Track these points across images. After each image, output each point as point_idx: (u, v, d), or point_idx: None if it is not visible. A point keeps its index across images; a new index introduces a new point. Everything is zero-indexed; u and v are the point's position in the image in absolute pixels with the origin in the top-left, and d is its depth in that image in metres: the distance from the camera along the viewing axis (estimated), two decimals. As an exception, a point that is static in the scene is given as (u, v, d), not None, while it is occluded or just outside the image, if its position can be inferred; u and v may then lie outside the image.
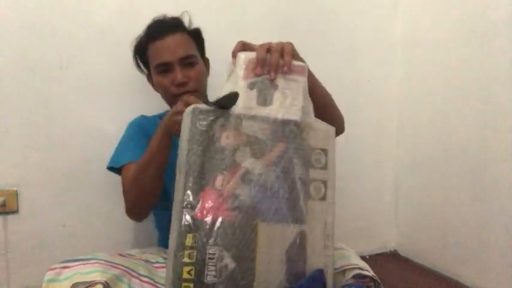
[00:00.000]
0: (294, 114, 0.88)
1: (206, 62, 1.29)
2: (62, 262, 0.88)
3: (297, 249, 0.85)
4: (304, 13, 1.65)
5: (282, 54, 0.88)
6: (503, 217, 1.35)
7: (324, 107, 1.01)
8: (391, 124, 1.83)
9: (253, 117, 0.86)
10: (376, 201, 1.85)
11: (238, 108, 0.86)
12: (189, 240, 0.78)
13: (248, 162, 0.84)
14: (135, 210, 1.11)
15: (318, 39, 1.68)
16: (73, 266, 0.86)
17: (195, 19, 1.28)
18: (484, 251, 1.41)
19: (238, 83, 0.87)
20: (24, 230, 1.34)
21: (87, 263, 0.86)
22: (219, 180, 0.82)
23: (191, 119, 0.83)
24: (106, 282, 0.82)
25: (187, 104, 0.91)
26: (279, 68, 0.88)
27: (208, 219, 0.79)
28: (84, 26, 1.36)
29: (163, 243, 1.27)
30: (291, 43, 0.92)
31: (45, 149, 1.35)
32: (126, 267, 0.91)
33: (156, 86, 1.21)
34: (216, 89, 1.22)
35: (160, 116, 1.31)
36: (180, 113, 0.91)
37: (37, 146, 1.34)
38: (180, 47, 1.15)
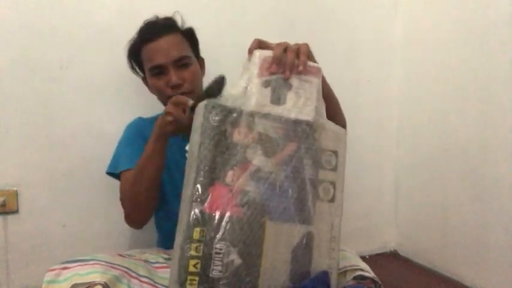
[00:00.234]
0: (307, 115, 0.88)
1: (201, 61, 1.28)
2: (62, 263, 0.88)
3: (303, 250, 0.85)
4: (304, 13, 1.65)
5: (297, 54, 0.89)
6: (503, 217, 1.35)
7: (331, 110, 1.01)
8: (391, 124, 1.83)
9: (266, 116, 0.86)
10: (376, 201, 1.85)
11: (251, 105, 0.86)
12: (196, 234, 0.78)
13: (259, 160, 0.84)
14: (134, 216, 1.11)
15: (318, 39, 1.66)
16: (72, 267, 0.86)
17: (195, 19, 1.28)
18: (484, 251, 1.41)
19: (253, 80, 0.86)
20: (24, 230, 1.34)
21: (86, 264, 0.86)
22: (229, 176, 0.82)
23: (203, 113, 0.83)
24: (105, 283, 0.83)
25: (176, 104, 0.92)
26: (294, 67, 0.87)
27: (217, 214, 0.80)
28: (84, 26, 1.36)
29: (163, 243, 1.28)
30: (307, 44, 0.92)
31: (45, 149, 1.35)
32: (126, 268, 0.91)
33: (152, 89, 1.21)
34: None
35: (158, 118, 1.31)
36: (171, 113, 0.92)
37: (37, 146, 1.34)
38: (173, 49, 1.14)
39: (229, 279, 0.78)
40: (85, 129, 1.39)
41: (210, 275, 0.77)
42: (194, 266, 0.77)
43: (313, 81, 0.90)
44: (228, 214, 0.80)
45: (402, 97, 1.80)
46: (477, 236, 1.44)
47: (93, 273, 0.84)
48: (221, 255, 0.78)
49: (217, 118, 0.83)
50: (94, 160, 1.36)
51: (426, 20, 1.66)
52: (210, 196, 0.80)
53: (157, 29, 1.16)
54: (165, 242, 1.27)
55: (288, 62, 0.87)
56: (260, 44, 0.91)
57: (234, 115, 0.84)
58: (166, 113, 0.94)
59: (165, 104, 1.21)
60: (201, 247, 0.78)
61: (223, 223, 0.80)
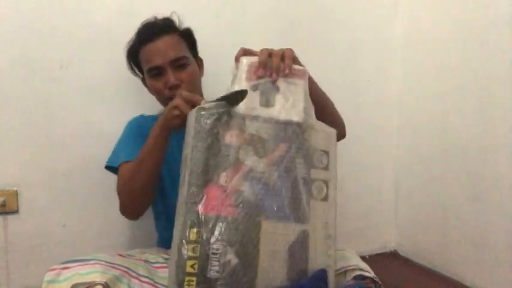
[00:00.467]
0: (296, 116, 0.91)
1: (199, 61, 1.28)
2: (62, 263, 0.88)
3: (299, 248, 0.86)
4: (304, 13, 1.65)
5: (282, 58, 0.92)
6: (503, 217, 1.35)
7: (325, 112, 1.03)
8: (391, 124, 1.83)
9: (256, 118, 0.89)
10: (376, 201, 1.85)
11: (241, 108, 0.88)
12: (193, 235, 0.80)
13: (251, 161, 0.86)
14: (130, 208, 1.11)
15: (318, 39, 1.68)
16: (72, 267, 0.86)
17: (194, 19, 1.28)
18: (484, 251, 1.41)
19: (242, 85, 0.90)
20: (24, 230, 1.34)
21: (86, 264, 0.86)
22: (223, 177, 0.84)
23: (196, 116, 0.85)
24: (106, 283, 0.83)
25: (183, 98, 0.92)
26: (280, 70, 0.91)
27: (212, 214, 0.81)
28: (84, 26, 1.36)
29: (163, 243, 1.28)
30: (291, 49, 0.95)
31: (45, 149, 1.35)
32: (126, 268, 0.91)
33: (150, 89, 1.22)
34: (216, 89, 1.23)
35: (160, 116, 1.31)
36: (177, 107, 0.92)
37: (37, 146, 1.34)
38: (170, 49, 1.14)
39: (226, 279, 0.79)
40: (85, 129, 1.39)
41: (208, 276, 0.78)
42: (191, 266, 0.78)
43: (300, 83, 0.93)
44: (223, 214, 0.82)
45: (402, 97, 1.80)
46: (477, 236, 1.44)
47: (94, 273, 0.84)
48: (218, 256, 0.79)
49: (208, 121, 0.85)
50: (94, 160, 1.36)
51: (426, 20, 1.66)
52: (204, 197, 0.82)
53: (155, 30, 1.16)
54: (165, 241, 1.27)
55: (274, 66, 0.90)
56: (245, 52, 0.94)
57: (225, 118, 0.87)
58: (174, 107, 0.93)
59: (164, 104, 1.21)
60: (198, 248, 0.79)
61: (219, 223, 0.81)
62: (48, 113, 1.34)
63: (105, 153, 1.23)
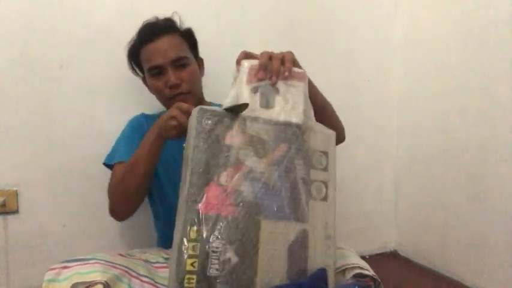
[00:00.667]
0: (295, 117, 0.93)
1: (200, 61, 1.29)
2: (62, 262, 0.88)
3: (299, 247, 0.87)
4: (304, 13, 1.65)
5: (282, 61, 0.93)
6: (503, 217, 1.35)
7: (324, 115, 1.05)
8: (391, 124, 1.83)
9: (256, 119, 0.90)
10: (376, 201, 1.85)
11: None
12: (193, 233, 0.80)
13: (251, 161, 0.88)
14: (118, 209, 1.12)
15: (318, 39, 1.68)
16: (73, 266, 0.86)
17: (195, 19, 1.28)
18: (484, 251, 1.41)
19: (242, 88, 0.92)
20: (24, 230, 1.34)
21: (87, 263, 0.86)
22: (223, 177, 0.85)
23: (197, 117, 0.87)
24: (106, 282, 0.82)
25: (180, 109, 0.93)
26: (280, 73, 0.92)
27: (212, 213, 0.82)
28: (84, 26, 1.36)
29: (163, 243, 1.28)
30: (291, 52, 0.96)
31: (45, 149, 1.35)
32: (126, 267, 0.91)
33: (151, 89, 1.22)
34: (216, 89, 1.23)
35: (160, 116, 1.31)
36: (175, 117, 0.92)
37: (37, 146, 1.34)
38: (171, 49, 1.15)
39: (226, 277, 0.80)
40: (85, 129, 1.39)
41: (208, 274, 0.79)
42: (192, 264, 0.79)
43: (299, 85, 0.95)
44: (223, 213, 0.83)
45: (402, 97, 1.80)
46: (477, 236, 1.44)
47: (94, 273, 0.83)
48: (218, 254, 0.80)
49: (209, 122, 0.87)
50: (94, 160, 1.35)
51: (426, 20, 1.66)
52: (205, 196, 0.83)
53: (155, 30, 1.17)
54: (165, 241, 1.27)
55: (274, 69, 0.92)
56: (246, 55, 0.95)
57: (226, 119, 0.88)
58: (171, 117, 0.94)
59: (164, 104, 1.22)
60: (198, 246, 0.80)
61: (219, 222, 0.82)
62: (48, 113, 1.34)
63: (105, 153, 1.23)
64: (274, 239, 0.85)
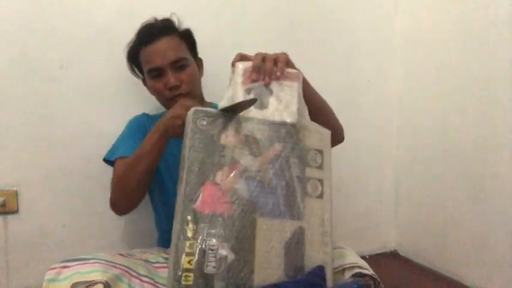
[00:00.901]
0: (289, 117, 0.94)
1: (199, 62, 1.29)
2: (62, 262, 0.88)
3: (295, 245, 0.88)
4: (304, 13, 1.65)
5: (275, 62, 0.95)
6: (503, 217, 1.35)
7: (321, 115, 1.06)
8: (391, 124, 1.83)
9: (250, 119, 0.92)
10: (376, 201, 1.85)
11: None
12: (189, 231, 0.82)
13: (246, 160, 0.89)
14: (119, 203, 1.12)
15: (318, 39, 1.68)
16: (73, 266, 0.86)
17: (194, 19, 1.28)
18: (484, 251, 1.41)
19: (237, 89, 0.94)
20: (24, 230, 1.34)
21: (87, 263, 0.86)
22: (219, 176, 0.87)
23: (192, 118, 0.89)
24: (106, 281, 0.82)
25: (185, 107, 0.94)
26: (273, 74, 0.94)
27: (209, 211, 0.84)
28: (84, 26, 1.36)
29: (163, 243, 1.28)
30: (285, 53, 0.99)
31: (45, 149, 1.35)
32: (126, 267, 0.91)
33: (151, 90, 1.23)
34: (216, 89, 1.23)
35: (161, 116, 1.31)
36: (180, 116, 0.93)
37: (37, 146, 1.34)
38: (170, 51, 1.15)
39: (223, 274, 0.81)
40: (85, 129, 1.39)
41: (205, 271, 0.81)
42: (189, 262, 0.80)
43: (293, 85, 0.97)
44: (219, 211, 0.84)
45: (402, 97, 1.80)
46: (477, 236, 1.44)
47: (94, 272, 0.83)
48: (214, 251, 0.82)
49: (204, 123, 0.89)
50: (94, 160, 1.36)
51: (426, 20, 1.66)
52: (201, 195, 0.85)
53: (154, 32, 1.17)
54: (165, 241, 1.27)
55: (267, 70, 0.94)
56: (241, 57, 0.98)
57: (221, 119, 0.91)
58: (177, 116, 0.95)
59: (164, 105, 1.22)
60: (195, 244, 0.81)
61: (215, 220, 0.84)
62: (48, 113, 1.34)
63: (105, 153, 1.23)
64: (271, 236, 0.86)
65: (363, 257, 1.25)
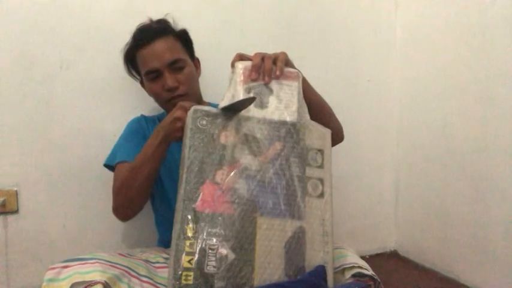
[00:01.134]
0: (289, 116, 0.95)
1: (196, 62, 1.29)
2: (62, 262, 0.88)
3: (296, 244, 0.88)
4: (305, 13, 1.65)
5: (275, 61, 0.96)
6: (503, 217, 1.35)
7: (321, 114, 1.06)
8: (391, 124, 1.83)
9: (250, 118, 0.92)
10: (376, 201, 1.85)
11: None
12: (189, 230, 0.83)
13: (246, 159, 0.89)
14: (122, 210, 1.12)
15: (318, 39, 1.68)
16: (73, 266, 0.86)
17: (194, 19, 1.28)
18: (484, 251, 1.41)
19: (237, 88, 0.94)
20: (24, 230, 1.34)
21: (86, 263, 0.86)
22: (218, 175, 0.87)
23: (192, 118, 0.89)
24: (106, 282, 0.82)
25: (184, 109, 0.94)
26: (272, 73, 0.95)
27: (209, 210, 0.84)
28: (84, 26, 1.36)
29: (163, 243, 1.28)
30: (284, 52, 0.99)
31: (45, 149, 1.35)
32: (126, 267, 0.91)
33: (149, 92, 1.22)
34: (215, 89, 1.23)
35: (159, 117, 1.31)
36: (179, 119, 0.92)
37: (37, 146, 1.34)
38: (167, 52, 1.15)
39: (223, 273, 0.81)
40: (85, 129, 1.39)
41: (205, 271, 0.81)
42: (189, 262, 0.81)
43: (293, 84, 0.97)
44: (219, 211, 0.85)
45: (402, 97, 1.80)
46: (477, 236, 1.44)
47: (94, 272, 0.83)
48: (214, 251, 0.82)
49: (204, 122, 0.90)
50: (94, 160, 1.36)
51: (426, 20, 1.66)
52: (201, 194, 0.85)
53: (150, 33, 1.17)
54: (165, 241, 1.27)
55: (266, 69, 0.95)
56: (241, 57, 0.98)
57: (220, 119, 0.91)
58: (176, 119, 0.94)
59: (163, 106, 1.23)
60: (195, 243, 0.82)
61: (215, 219, 0.84)
62: (48, 113, 1.34)
63: (105, 153, 1.23)
64: (271, 235, 0.86)
65: (363, 257, 1.25)
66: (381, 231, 1.86)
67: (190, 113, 0.90)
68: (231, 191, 0.87)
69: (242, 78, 0.95)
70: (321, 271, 0.86)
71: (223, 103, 0.93)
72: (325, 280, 0.85)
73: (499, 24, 1.35)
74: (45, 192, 1.36)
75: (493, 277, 1.39)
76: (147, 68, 1.16)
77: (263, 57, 0.96)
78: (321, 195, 0.93)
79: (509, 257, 1.33)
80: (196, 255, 0.81)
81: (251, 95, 0.93)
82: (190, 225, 0.83)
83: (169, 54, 1.15)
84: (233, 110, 0.91)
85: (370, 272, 0.96)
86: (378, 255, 1.81)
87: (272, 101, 0.95)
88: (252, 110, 0.93)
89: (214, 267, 0.81)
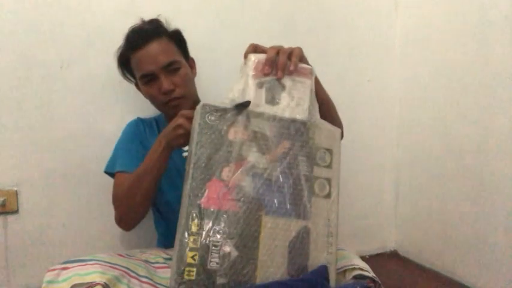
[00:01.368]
0: (300, 114, 0.93)
1: (191, 61, 1.27)
2: (61, 263, 0.88)
3: (300, 244, 0.87)
4: (304, 13, 1.65)
5: (289, 56, 0.93)
6: (502, 217, 1.35)
7: (326, 112, 1.04)
8: (391, 124, 1.83)
9: (260, 115, 0.90)
10: (376, 201, 1.85)
11: None
12: (194, 226, 0.82)
13: (254, 157, 0.88)
14: (126, 220, 1.12)
15: (318, 39, 1.68)
16: (72, 267, 0.86)
17: (194, 19, 1.28)
18: (484, 251, 1.41)
19: (248, 82, 0.91)
20: (24, 230, 1.34)
21: (86, 264, 0.86)
22: (225, 172, 0.86)
23: (201, 113, 0.88)
24: (105, 283, 0.83)
25: (185, 116, 0.93)
26: (286, 68, 0.92)
27: (214, 207, 0.84)
28: (84, 26, 1.36)
29: (163, 243, 1.28)
30: (300, 47, 0.96)
31: (45, 149, 1.35)
32: (126, 268, 0.91)
33: (145, 95, 1.21)
34: (215, 90, 1.23)
35: (156, 119, 1.31)
36: (181, 126, 0.92)
37: (37, 146, 1.34)
38: (161, 55, 1.13)
39: (226, 270, 0.81)
40: (85, 129, 1.39)
41: (208, 267, 0.81)
42: (192, 257, 0.80)
43: (306, 82, 0.95)
44: (224, 208, 0.84)
45: (402, 97, 1.80)
46: (477, 236, 1.44)
47: (93, 274, 0.84)
48: (218, 248, 0.82)
49: (213, 118, 0.88)
50: (94, 160, 1.36)
51: (426, 20, 1.66)
52: (207, 191, 0.84)
53: (143, 36, 1.15)
54: (165, 242, 1.27)
55: (280, 63, 0.91)
56: (255, 48, 0.95)
57: (230, 115, 0.89)
58: (178, 126, 0.94)
59: (159, 109, 1.22)
60: (199, 240, 0.81)
61: (220, 216, 0.83)
62: (48, 113, 1.34)
63: (104, 153, 1.24)
64: (275, 234, 0.86)
65: (363, 257, 1.25)
66: (381, 231, 1.86)
67: (199, 108, 0.88)
68: (237, 189, 0.86)
69: (254, 72, 0.92)
70: (323, 271, 0.86)
71: (232, 95, 0.91)
72: (327, 280, 0.85)
73: (499, 24, 1.35)
74: (45, 192, 1.36)
75: (493, 277, 1.39)
76: (141, 72, 1.15)
77: (278, 50, 0.92)
78: (328, 195, 0.92)
79: (509, 257, 1.33)
80: (200, 251, 0.81)
81: (263, 89, 0.91)
82: (195, 221, 0.82)
83: (164, 57, 1.13)
84: (241, 107, 0.89)
85: (371, 274, 0.96)
86: (378, 255, 1.81)
87: (284, 97, 0.93)
88: (263, 106, 0.91)
89: (217, 263, 0.81)
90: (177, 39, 1.21)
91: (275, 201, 0.87)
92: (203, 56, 1.31)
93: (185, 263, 0.80)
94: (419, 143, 1.71)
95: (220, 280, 0.80)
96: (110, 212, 1.38)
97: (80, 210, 1.40)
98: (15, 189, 1.32)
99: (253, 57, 0.93)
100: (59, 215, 1.38)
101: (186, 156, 0.89)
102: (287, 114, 0.92)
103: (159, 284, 0.95)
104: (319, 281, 0.84)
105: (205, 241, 0.81)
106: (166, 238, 1.26)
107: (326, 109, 1.05)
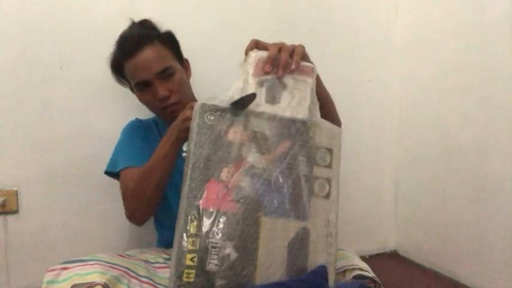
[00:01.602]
0: (301, 113, 0.91)
1: (186, 63, 1.25)
2: (61, 263, 0.88)
3: (299, 245, 0.86)
4: (304, 13, 1.65)
5: (291, 54, 0.91)
6: (502, 217, 1.35)
7: (327, 111, 1.03)
8: (391, 124, 1.83)
9: (260, 114, 0.89)
10: (376, 201, 1.85)
11: None
12: (193, 228, 0.81)
13: (253, 157, 0.87)
14: (138, 215, 1.10)
15: (318, 39, 1.68)
16: (72, 267, 0.86)
17: (194, 19, 1.28)
18: (484, 251, 1.41)
19: (248, 80, 0.90)
20: (24, 230, 1.34)
21: (86, 264, 0.86)
22: (224, 172, 0.85)
23: (199, 113, 0.86)
24: (105, 283, 0.82)
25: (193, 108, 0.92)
26: (287, 66, 0.90)
27: (213, 209, 0.82)
28: (84, 26, 1.36)
29: (163, 243, 1.28)
30: (302, 45, 0.94)
31: (45, 149, 1.35)
32: (126, 268, 0.91)
33: (140, 101, 1.19)
34: (214, 90, 1.23)
35: (156, 120, 1.30)
36: (190, 118, 0.91)
37: (37, 146, 1.34)
38: (154, 62, 1.11)
39: (225, 272, 0.80)
40: (85, 129, 1.39)
41: (207, 269, 0.80)
42: (191, 259, 0.79)
43: (307, 80, 0.93)
44: (223, 209, 0.83)
45: (402, 97, 1.80)
46: (477, 236, 1.44)
47: (93, 274, 0.83)
48: (217, 249, 0.81)
49: (212, 118, 0.86)
50: (94, 160, 1.36)
51: (426, 20, 1.66)
52: (205, 192, 0.83)
53: (134, 43, 1.12)
54: (165, 242, 1.27)
55: (281, 62, 0.89)
56: (257, 45, 0.93)
57: (229, 114, 0.87)
58: (186, 119, 0.92)
59: (157, 114, 1.21)
60: (198, 241, 0.80)
61: (219, 218, 0.82)
62: (48, 113, 1.34)
63: (105, 153, 1.23)
64: (274, 235, 0.85)
65: (363, 257, 1.25)
66: (381, 231, 1.86)
67: (197, 107, 0.87)
68: (236, 190, 0.85)
69: (254, 70, 0.90)
70: (322, 271, 0.86)
71: (231, 94, 0.89)
72: (326, 280, 0.85)
73: (499, 24, 1.35)
74: (45, 192, 1.36)
75: (493, 277, 1.39)
76: (136, 80, 1.13)
77: (280, 48, 0.90)
78: (328, 195, 0.91)
79: (509, 257, 1.33)
80: (199, 253, 0.80)
81: (263, 88, 0.89)
82: (194, 222, 0.81)
83: (157, 64, 1.11)
84: (240, 105, 0.88)
85: (371, 274, 0.96)
86: (378, 255, 1.81)
87: (285, 96, 0.91)
88: (263, 106, 0.89)
89: (216, 265, 0.80)
90: (169, 41, 1.19)
91: (274, 201, 0.86)
92: (203, 56, 1.31)
93: (184, 265, 0.79)
94: (419, 143, 1.71)
95: (219, 282, 0.80)
96: (110, 212, 1.39)
97: (80, 210, 1.40)
98: (15, 189, 1.32)
99: (254, 55, 0.91)
100: (59, 215, 1.38)
101: (185, 157, 0.89)
102: (288, 114, 0.90)
103: (159, 284, 0.95)
104: (319, 281, 0.84)
105: (204, 243, 0.80)
106: (166, 238, 1.26)
107: (326, 108, 1.04)
